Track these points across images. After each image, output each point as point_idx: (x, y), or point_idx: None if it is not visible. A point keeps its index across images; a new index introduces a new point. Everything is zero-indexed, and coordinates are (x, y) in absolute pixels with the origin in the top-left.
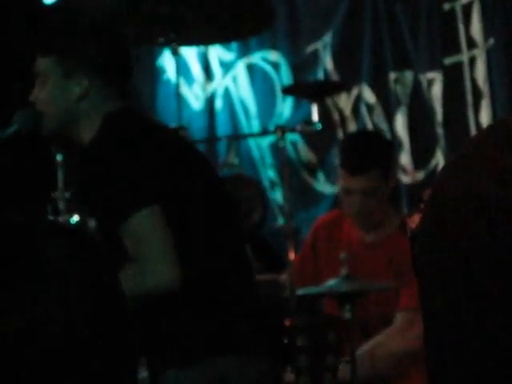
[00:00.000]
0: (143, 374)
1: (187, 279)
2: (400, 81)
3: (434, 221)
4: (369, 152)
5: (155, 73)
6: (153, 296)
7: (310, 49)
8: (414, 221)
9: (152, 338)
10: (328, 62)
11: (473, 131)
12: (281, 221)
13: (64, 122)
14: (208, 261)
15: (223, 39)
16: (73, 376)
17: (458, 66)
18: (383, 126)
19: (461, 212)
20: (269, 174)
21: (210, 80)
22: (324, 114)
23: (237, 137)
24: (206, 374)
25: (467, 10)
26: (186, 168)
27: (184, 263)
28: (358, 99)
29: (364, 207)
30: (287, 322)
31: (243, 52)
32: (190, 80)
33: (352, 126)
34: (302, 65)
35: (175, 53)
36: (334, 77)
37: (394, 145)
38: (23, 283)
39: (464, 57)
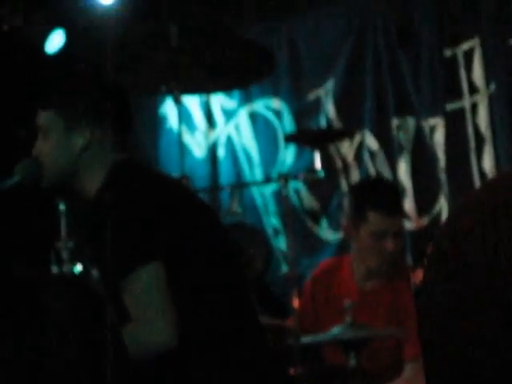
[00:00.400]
0: None
1: (190, 335)
2: (402, 127)
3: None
4: (399, 194)
5: (157, 121)
6: (150, 355)
7: (312, 96)
8: (418, 276)
9: None
10: (330, 109)
11: (476, 176)
12: (285, 268)
13: (67, 174)
14: (212, 316)
15: (225, 87)
16: None
17: (460, 111)
18: (386, 172)
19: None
20: (272, 221)
21: (212, 128)
22: (327, 161)
23: (240, 185)
24: None
25: (468, 56)
26: (189, 222)
27: (186, 319)
28: (361, 146)
29: (396, 249)
30: (292, 371)
31: (245, 100)
32: (192, 128)
33: (355, 173)
34: (304, 112)
35: (177, 101)
36: (337, 124)
37: None
38: (26, 335)
39: (466, 102)
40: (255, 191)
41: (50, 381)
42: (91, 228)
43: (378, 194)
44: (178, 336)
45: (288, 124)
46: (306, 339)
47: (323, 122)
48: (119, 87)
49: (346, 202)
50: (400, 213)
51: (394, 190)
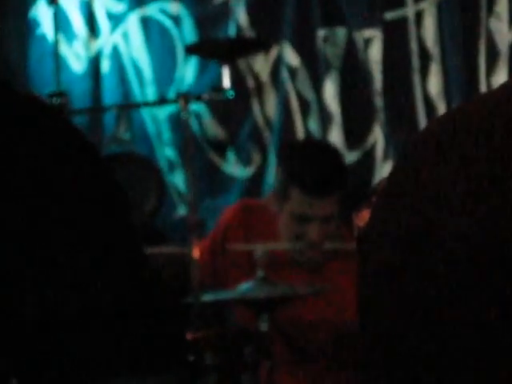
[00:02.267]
0: None
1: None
2: (330, 40)
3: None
4: (340, 167)
5: (27, 26)
6: None
7: None
8: (363, 218)
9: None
10: (241, 16)
11: (419, 101)
12: (182, 210)
13: None
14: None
15: None
16: None
17: (402, 22)
18: (309, 94)
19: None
20: (167, 152)
21: (94, 36)
22: (236, 79)
23: (128, 106)
24: None
25: None
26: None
27: None
28: (278, 61)
29: (321, 237)
30: (192, 335)
31: (136, 2)
32: (70, 36)
33: (270, 95)
34: (209, 18)
35: (52, 2)
36: (249, 33)
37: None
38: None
39: (409, 11)
40: (147, 115)
41: None
42: None
43: (309, 167)
44: None
45: (189, 33)
46: (207, 297)
47: (232, 32)
48: None
49: (258, 131)
50: (335, 193)
51: (333, 162)
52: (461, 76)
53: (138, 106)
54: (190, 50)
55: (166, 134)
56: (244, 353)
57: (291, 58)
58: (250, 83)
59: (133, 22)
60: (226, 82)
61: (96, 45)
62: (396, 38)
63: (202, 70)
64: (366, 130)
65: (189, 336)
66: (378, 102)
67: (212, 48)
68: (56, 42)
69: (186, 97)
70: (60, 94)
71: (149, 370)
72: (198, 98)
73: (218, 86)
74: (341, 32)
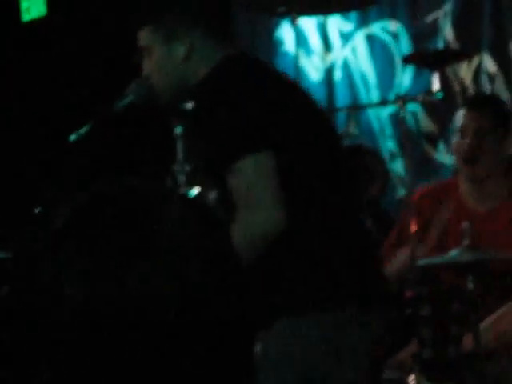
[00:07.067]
0: None
1: (301, 227)
2: None
3: None
4: (488, 96)
5: (273, 45)
6: (264, 239)
7: (430, 18)
8: None
9: (266, 286)
10: (448, 31)
11: None
12: (401, 192)
13: (177, 87)
14: (320, 215)
15: (342, 9)
16: (187, 352)
17: None
18: (504, 95)
19: None
20: (388, 144)
21: (328, 51)
22: (444, 83)
23: (356, 107)
24: (321, 323)
25: None
26: (306, 122)
27: (296, 212)
28: (479, 68)
29: (475, 147)
30: (409, 293)
31: (362, 22)
32: (308, 51)
33: None
34: (421, 34)
35: (294, 23)
36: (455, 46)
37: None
38: (138, 258)
39: None
40: (372, 114)
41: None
42: (203, 108)
43: (472, 95)
44: (285, 221)
45: (405, 47)
46: (422, 262)
47: (441, 44)
48: None
49: None
50: (485, 110)
51: (485, 94)
52: None
53: (364, 107)
54: (407, 60)
55: (388, 130)
56: (453, 307)
57: (490, 65)
58: (456, 87)
59: (360, 39)
60: (436, 86)
61: (330, 58)
62: None
63: (416, 77)
64: None
65: (408, 293)
66: None
67: (424, 58)
68: (297, 57)
69: (403, 99)
70: None
71: (372, 304)
72: (414, 100)
73: (429, 90)
74: None
